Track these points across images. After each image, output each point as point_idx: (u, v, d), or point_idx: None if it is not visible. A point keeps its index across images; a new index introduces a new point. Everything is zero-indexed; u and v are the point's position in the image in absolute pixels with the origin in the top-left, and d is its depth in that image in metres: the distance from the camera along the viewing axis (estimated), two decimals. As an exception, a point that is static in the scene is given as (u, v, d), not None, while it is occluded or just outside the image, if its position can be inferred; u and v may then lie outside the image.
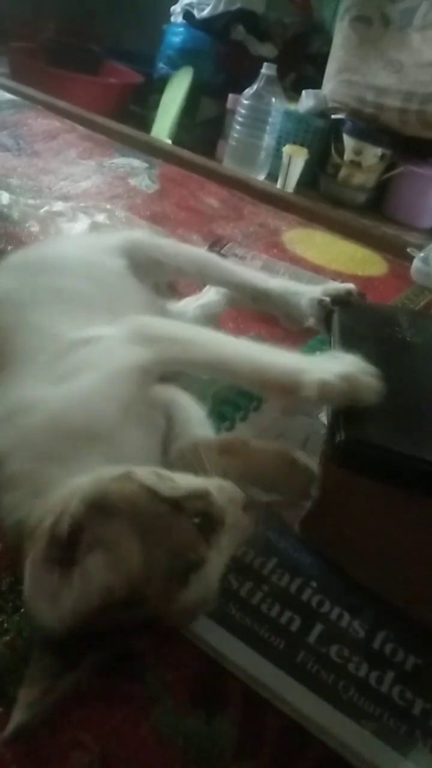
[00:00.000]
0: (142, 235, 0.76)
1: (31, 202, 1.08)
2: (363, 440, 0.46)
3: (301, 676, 0.44)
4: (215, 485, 0.43)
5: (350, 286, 0.68)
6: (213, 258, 0.76)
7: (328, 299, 0.66)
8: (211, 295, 0.78)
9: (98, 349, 0.51)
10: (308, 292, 0.68)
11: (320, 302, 0.66)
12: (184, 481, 0.42)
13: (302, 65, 1.94)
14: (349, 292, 0.67)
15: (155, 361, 0.50)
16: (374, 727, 0.42)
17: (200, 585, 0.39)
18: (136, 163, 1.42)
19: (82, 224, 1.03)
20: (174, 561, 0.38)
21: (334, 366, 0.48)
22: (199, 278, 0.74)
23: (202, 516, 0.40)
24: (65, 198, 1.14)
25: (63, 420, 0.45)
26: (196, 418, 0.55)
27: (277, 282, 0.72)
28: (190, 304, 0.78)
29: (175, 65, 1.87)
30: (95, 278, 0.61)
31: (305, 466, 0.52)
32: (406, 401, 0.50)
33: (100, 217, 1.07)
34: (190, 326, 0.57)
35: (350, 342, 0.56)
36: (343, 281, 0.97)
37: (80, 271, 0.62)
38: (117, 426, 0.47)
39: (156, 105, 1.86)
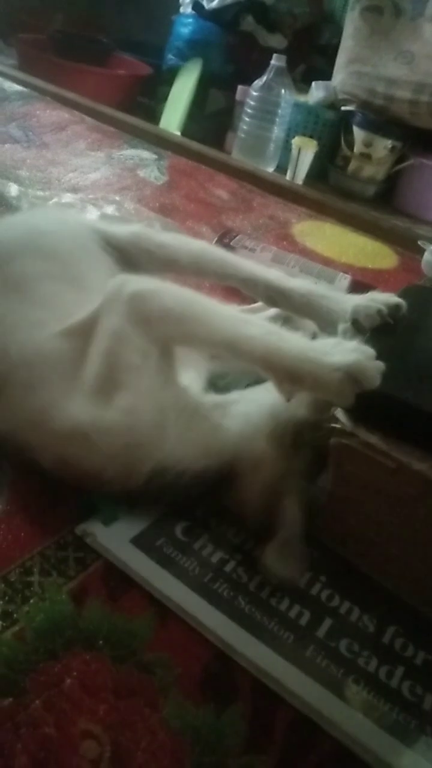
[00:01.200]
0: (138, 228, 0.70)
1: (40, 193, 1.08)
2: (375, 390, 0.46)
3: (310, 670, 0.44)
4: None
5: (394, 301, 0.58)
6: (215, 249, 0.69)
7: (365, 324, 0.57)
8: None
9: (107, 343, 0.49)
10: (340, 301, 0.61)
11: (355, 323, 0.58)
12: None
13: (312, 56, 1.93)
14: (396, 307, 0.57)
15: (161, 343, 0.50)
16: (384, 722, 0.42)
17: None
18: (145, 154, 1.42)
19: (91, 216, 1.03)
20: None
21: (341, 358, 0.47)
22: (196, 271, 0.67)
23: None
24: (74, 190, 1.14)
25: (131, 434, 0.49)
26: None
27: (299, 282, 0.64)
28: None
29: (184, 56, 1.86)
30: (62, 255, 0.59)
31: None
32: (417, 360, 0.53)
33: (109, 209, 1.07)
34: (188, 297, 0.52)
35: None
36: (353, 274, 0.97)
37: (45, 250, 0.59)
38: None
39: (165, 96, 1.85)
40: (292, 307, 0.65)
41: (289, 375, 0.48)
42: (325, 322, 0.63)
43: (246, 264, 0.67)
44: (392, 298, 0.58)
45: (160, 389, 0.50)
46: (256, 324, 0.50)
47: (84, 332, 0.51)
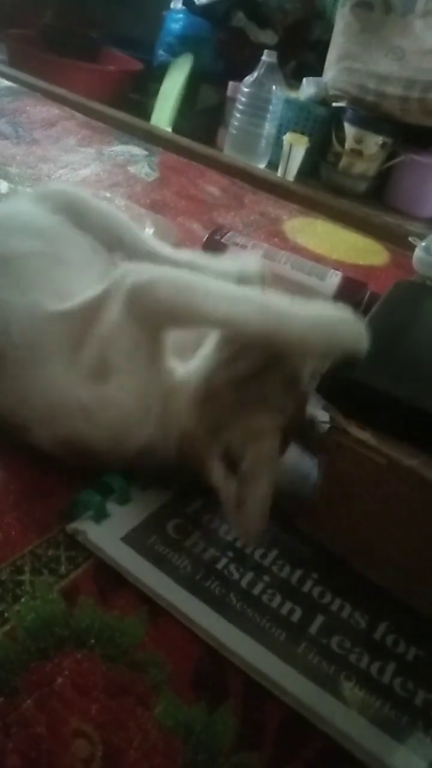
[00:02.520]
0: (69, 189, 0.72)
1: (30, 190, 1.07)
2: (347, 377, 0.48)
3: (302, 666, 0.44)
4: None
5: None
6: (129, 225, 0.69)
7: None
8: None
9: (106, 332, 0.51)
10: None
11: None
12: None
13: (303, 52, 1.92)
14: None
15: (158, 331, 0.51)
16: (376, 718, 0.42)
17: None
18: (136, 150, 1.41)
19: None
20: None
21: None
22: (112, 242, 0.67)
23: None
24: (64, 186, 1.13)
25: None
26: None
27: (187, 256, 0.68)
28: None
29: (175, 52, 1.85)
30: (38, 235, 0.60)
31: None
32: (407, 356, 0.52)
33: (100, 206, 1.06)
34: (187, 284, 0.52)
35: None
36: (344, 271, 0.97)
37: (20, 232, 0.60)
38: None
39: (155, 92, 1.84)
40: None
41: (297, 348, 0.49)
42: None
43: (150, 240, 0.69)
44: None
45: (147, 372, 0.51)
46: (252, 301, 0.50)
47: (83, 316, 0.52)
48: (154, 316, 0.51)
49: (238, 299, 0.49)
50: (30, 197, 0.67)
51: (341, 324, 0.48)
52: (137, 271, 0.52)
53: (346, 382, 0.48)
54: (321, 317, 0.48)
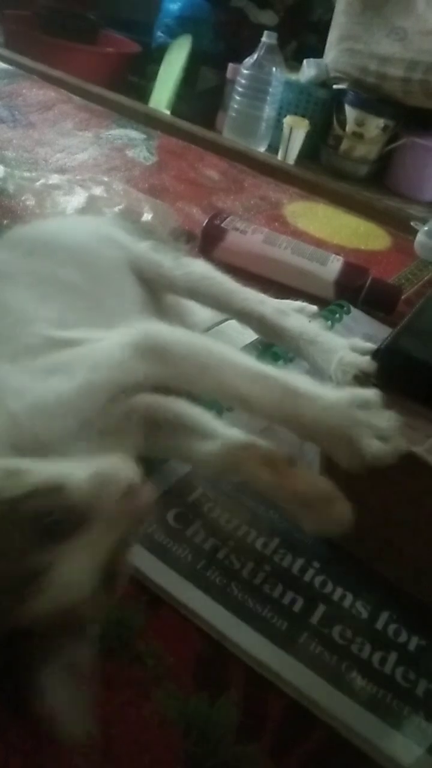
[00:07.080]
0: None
1: (26, 174, 1.06)
2: (400, 351, 0.48)
3: (303, 657, 0.43)
4: (87, 471, 0.36)
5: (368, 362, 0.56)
6: (214, 276, 0.65)
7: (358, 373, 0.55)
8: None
9: (94, 350, 0.46)
10: (326, 349, 0.59)
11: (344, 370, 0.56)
12: (38, 472, 0.36)
13: (304, 33, 1.90)
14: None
15: (155, 379, 0.47)
16: (377, 708, 0.41)
17: (56, 590, 0.34)
18: (134, 134, 1.39)
19: (79, 197, 1.01)
20: (12, 570, 0.34)
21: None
22: (189, 294, 0.65)
23: (56, 513, 0.35)
24: (61, 170, 1.12)
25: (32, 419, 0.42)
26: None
27: (293, 322, 0.62)
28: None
29: (174, 34, 1.83)
30: (90, 269, 0.58)
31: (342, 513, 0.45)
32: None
33: (98, 190, 1.05)
34: (208, 344, 0.48)
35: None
36: (345, 255, 0.96)
37: (75, 258, 0.58)
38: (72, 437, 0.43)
39: (154, 75, 1.82)
40: (283, 346, 0.63)
41: (308, 435, 0.47)
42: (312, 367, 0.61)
43: (242, 294, 0.64)
44: (366, 361, 0.55)
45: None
46: (273, 380, 0.47)
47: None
48: (162, 367, 0.46)
49: (258, 376, 0.47)
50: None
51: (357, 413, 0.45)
52: (157, 328, 0.48)
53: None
54: (340, 402, 0.45)
